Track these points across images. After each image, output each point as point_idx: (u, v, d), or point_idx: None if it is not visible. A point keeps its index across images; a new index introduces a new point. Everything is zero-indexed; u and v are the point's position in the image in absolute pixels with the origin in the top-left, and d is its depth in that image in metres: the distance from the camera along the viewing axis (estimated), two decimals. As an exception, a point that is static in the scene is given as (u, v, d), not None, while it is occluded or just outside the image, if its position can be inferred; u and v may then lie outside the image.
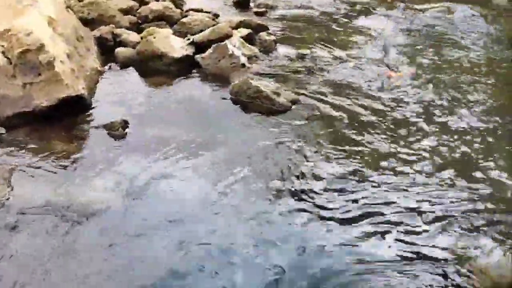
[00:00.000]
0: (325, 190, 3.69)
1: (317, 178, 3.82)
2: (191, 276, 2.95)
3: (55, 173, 3.89)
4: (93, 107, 4.79)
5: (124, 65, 5.59)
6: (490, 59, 5.84)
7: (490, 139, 4.32)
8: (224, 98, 5.06)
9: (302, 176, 3.85)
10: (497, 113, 4.72)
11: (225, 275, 2.95)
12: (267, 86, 5.00)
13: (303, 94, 5.07)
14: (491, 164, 3.98)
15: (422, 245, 3.17)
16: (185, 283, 2.91)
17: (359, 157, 4.09)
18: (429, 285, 2.84)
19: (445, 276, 2.90)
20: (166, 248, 3.15)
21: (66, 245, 3.14)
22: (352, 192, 3.68)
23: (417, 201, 3.57)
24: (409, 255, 3.10)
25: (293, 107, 4.85)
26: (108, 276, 2.93)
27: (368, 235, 3.26)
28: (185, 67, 5.54)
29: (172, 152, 4.13)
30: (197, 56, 5.62)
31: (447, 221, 3.38)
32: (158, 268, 3.00)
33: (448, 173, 3.88)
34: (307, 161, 4.04)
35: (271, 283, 2.90)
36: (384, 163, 4.01)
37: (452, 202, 3.57)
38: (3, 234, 3.21)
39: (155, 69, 5.49)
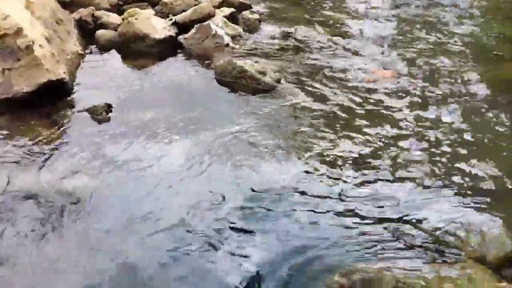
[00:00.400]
0: (310, 169, 3.67)
1: (303, 156, 3.80)
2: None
3: (38, 159, 3.81)
4: (75, 92, 4.71)
5: (105, 48, 5.48)
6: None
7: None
8: (208, 79, 5.00)
9: (288, 155, 3.82)
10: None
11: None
12: (252, 65, 4.93)
13: (288, 73, 5.02)
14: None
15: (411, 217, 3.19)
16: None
17: (343, 134, 4.06)
18: (417, 257, 2.84)
19: (434, 249, 2.91)
20: (151, 230, 3.12)
21: (50, 231, 3.09)
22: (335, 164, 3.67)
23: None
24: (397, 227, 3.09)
25: (279, 86, 4.80)
26: (93, 260, 2.89)
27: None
28: (168, 48, 5.45)
29: (157, 135, 4.07)
30: (180, 37, 5.54)
31: (441, 192, 3.39)
32: (147, 253, 2.97)
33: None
34: (294, 140, 4.01)
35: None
36: (370, 138, 3.99)
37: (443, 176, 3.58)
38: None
39: (138, 51, 5.40)
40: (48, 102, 4.46)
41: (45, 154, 3.86)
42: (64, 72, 4.67)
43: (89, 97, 4.59)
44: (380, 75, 4.96)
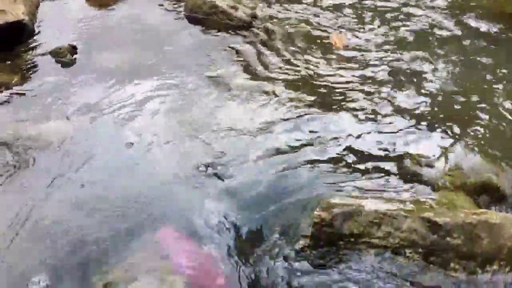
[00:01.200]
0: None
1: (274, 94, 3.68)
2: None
3: (0, 105, 3.62)
4: (37, 33, 4.45)
5: (66, -14, 5.15)
6: None
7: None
8: (178, 17, 4.76)
9: (263, 93, 3.70)
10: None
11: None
12: (223, 0, 4.70)
13: (264, 7, 4.81)
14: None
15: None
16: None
17: (313, 71, 3.95)
18: (397, 188, 2.83)
19: (413, 178, 2.89)
20: (120, 171, 3.02)
21: (17, 179, 2.96)
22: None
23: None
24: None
25: (253, 22, 4.60)
26: (60, 204, 2.79)
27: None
28: (133, -16, 5.15)
29: (124, 77, 3.87)
30: (146, -28, 5.21)
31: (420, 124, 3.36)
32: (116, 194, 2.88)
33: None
34: (268, 77, 3.88)
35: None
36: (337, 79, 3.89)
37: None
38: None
39: (100, -12, 5.09)
40: (9, 46, 4.20)
41: (8, 100, 3.66)
42: (23, 13, 4.39)
43: (51, 39, 4.35)
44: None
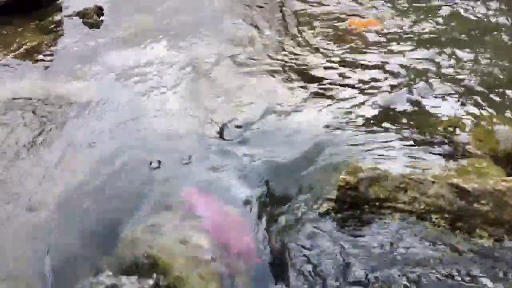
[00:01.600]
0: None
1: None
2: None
3: (30, 66, 3.66)
4: (64, -5, 4.46)
5: None
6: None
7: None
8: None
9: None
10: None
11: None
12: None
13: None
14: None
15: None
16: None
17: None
18: (426, 153, 2.79)
19: (444, 145, 2.84)
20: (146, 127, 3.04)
21: (46, 136, 3.01)
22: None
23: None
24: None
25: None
26: (88, 160, 2.84)
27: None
28: None
29: (149, 39, 3.88)
30: None
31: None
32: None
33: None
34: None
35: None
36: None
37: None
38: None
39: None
40: (35, 8, 4.23)
41: (37, 60, 3.70)
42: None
43: (78, 0, 4.34)
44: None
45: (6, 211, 2.49)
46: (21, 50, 3.80)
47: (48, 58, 3.75)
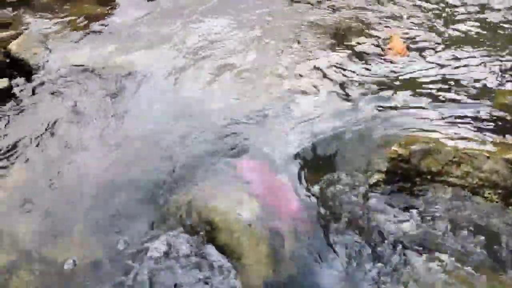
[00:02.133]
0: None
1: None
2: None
3: (88, 36, 3.80)
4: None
5: None
6: None
7: None
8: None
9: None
10: None
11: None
12: None
13: None
14: None
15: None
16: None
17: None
18: (458, 122, 2.75)
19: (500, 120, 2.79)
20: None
21: (104, 103, 3.13)
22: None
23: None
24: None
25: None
26: (148, 125, 2.94)
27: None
28: None
29: (209, 14, 3.93)
30: None
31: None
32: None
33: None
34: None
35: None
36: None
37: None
38: (45, 94, 3.22)
39: None
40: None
41: (94, 31, 3.83)
42: None
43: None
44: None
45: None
46: (81, 20, 3.94)
47: (104, 28, 3.87)
